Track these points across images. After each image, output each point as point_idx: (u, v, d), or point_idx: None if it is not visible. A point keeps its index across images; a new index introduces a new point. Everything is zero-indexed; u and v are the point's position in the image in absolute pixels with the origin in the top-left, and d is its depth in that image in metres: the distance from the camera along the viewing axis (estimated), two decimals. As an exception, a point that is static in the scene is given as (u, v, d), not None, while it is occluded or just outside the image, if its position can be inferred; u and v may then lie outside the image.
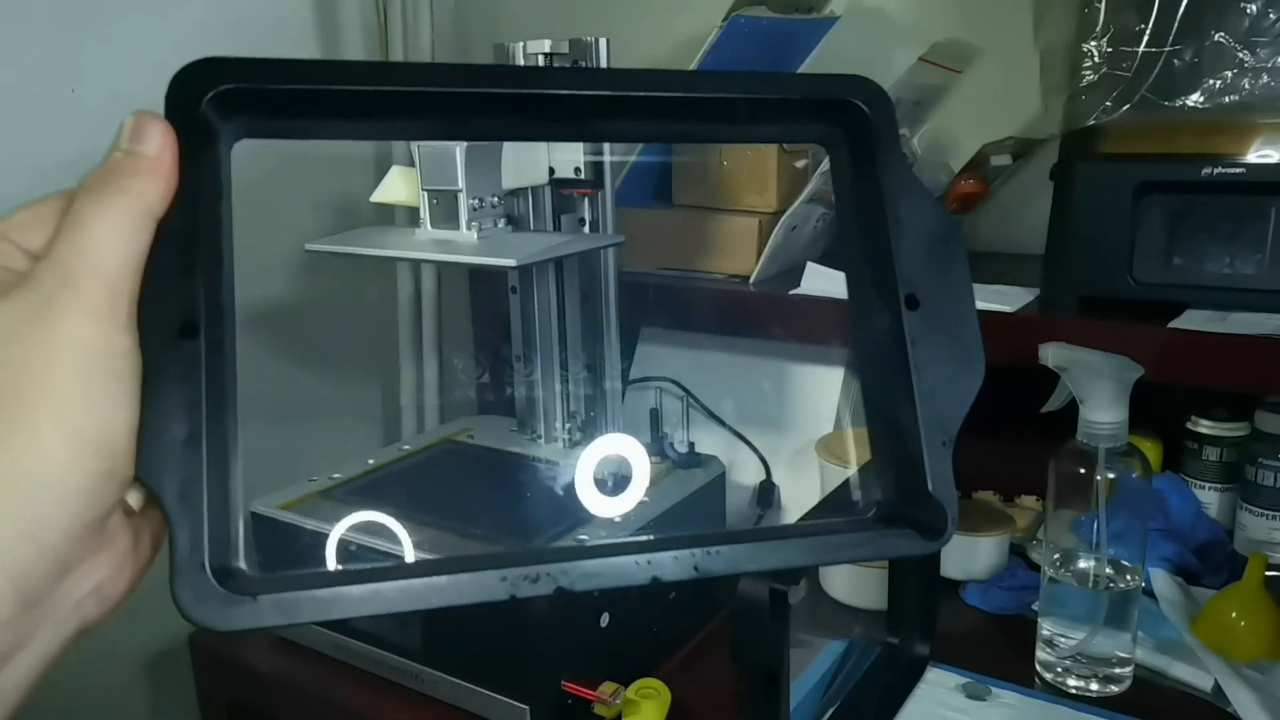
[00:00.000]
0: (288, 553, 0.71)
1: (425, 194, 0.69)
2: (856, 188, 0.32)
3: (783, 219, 0.84)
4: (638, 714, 0.62)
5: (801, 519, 0.56)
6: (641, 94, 0.30)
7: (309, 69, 0.28)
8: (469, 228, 0.67)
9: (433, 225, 0.69)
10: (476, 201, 0.68)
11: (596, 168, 0.76)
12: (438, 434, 0.87)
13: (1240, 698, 0.63)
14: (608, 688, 0.61)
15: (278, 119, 0.29)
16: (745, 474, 0.89)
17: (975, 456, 0.91)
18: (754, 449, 0.88)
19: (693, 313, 0.90)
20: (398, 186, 0.70)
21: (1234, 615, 0.69)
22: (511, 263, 0.62)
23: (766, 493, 0.87)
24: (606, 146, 0.75)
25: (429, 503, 0.73)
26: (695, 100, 0.31)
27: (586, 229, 0.78)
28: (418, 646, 0.66)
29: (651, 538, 0.29)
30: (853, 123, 0.31)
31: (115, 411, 0.24)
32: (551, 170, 0.76)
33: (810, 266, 0.84)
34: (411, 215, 0.73)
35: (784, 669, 0.50)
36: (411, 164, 0.70)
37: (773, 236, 0.85)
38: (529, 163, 0.74)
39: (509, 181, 0.72)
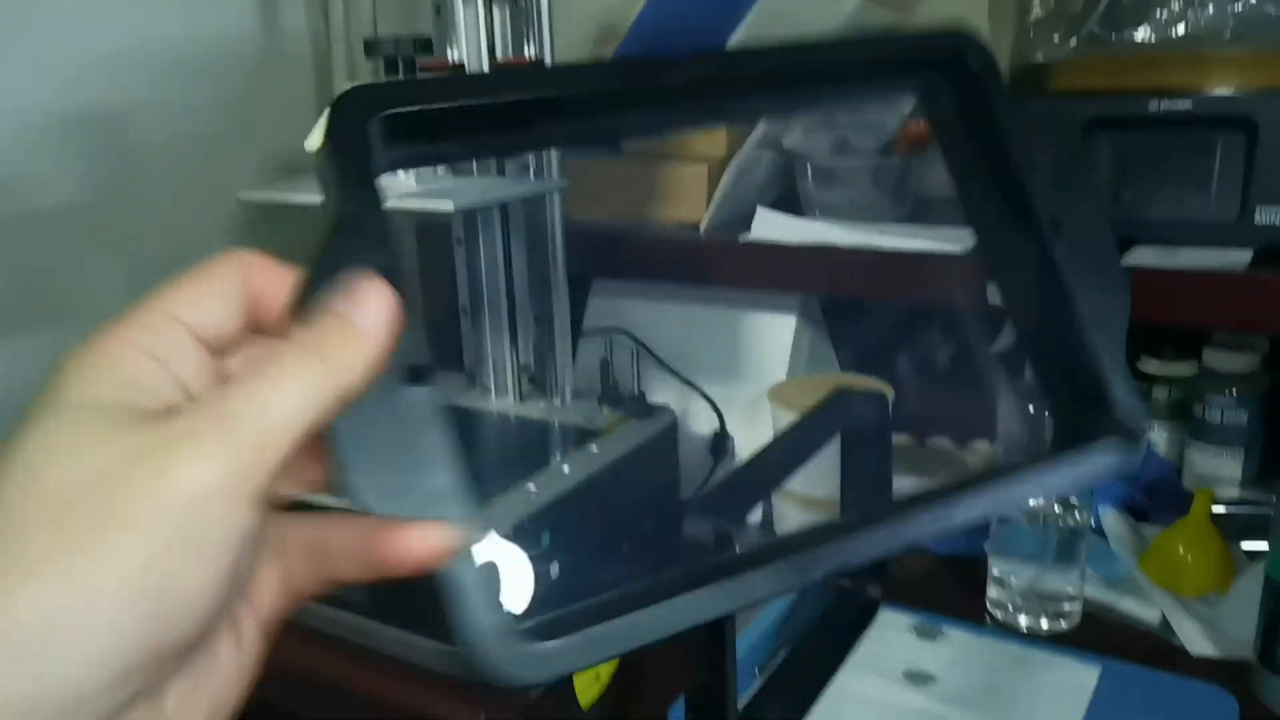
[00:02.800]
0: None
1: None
2: (970, 133, 0.33)
3: (732, 164, 0.83)
4: (588, 662, 0.61)
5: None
6: (773, 69, 0.31)
7: (462, 85, 0.27)
8: (407, 173, 0.65)
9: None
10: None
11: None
12: (385, 390, 0.85)
13: (1186, 629, 0.64)
14: (557, 637, 0.61)
15: (435, 142, 0.27)
16: (699, 424, 0.88)
17: (928, 402, 0.92)
18: (707, 398, 0.87)
19: (644, 263, 0.89)
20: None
21: (1181, 550, 0.69)
22: (449, 206, 0.60)
23: (720, 442, 0.86)
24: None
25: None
26: (819, 68, 0.31)
27: (531, 176, 0.76)
28: (364, 601, 0.64)
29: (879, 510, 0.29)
30: (960, 73, 0.32)
31: (196, 584, 0.21)
32: (493, 115, 0.74)
33: (761, 212, 0.83)
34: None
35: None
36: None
37: (722, 182, 0.84)
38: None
39: (448, 126, 0.70)
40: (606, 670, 0.61)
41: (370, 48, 0.74)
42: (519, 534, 0.61)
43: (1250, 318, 0.64)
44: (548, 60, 0.73)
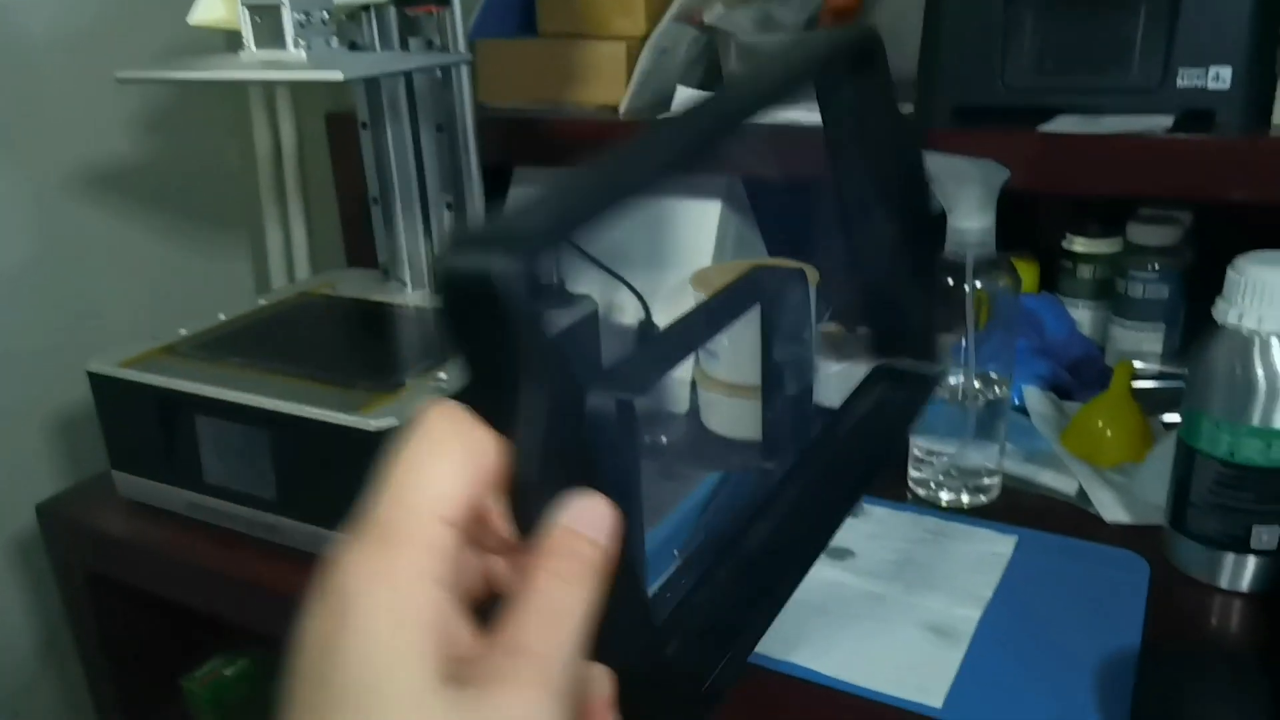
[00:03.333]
0: (129, 412, 0.67)
1: (246, 11, 0.62)
2: (854, 117, 0.38)
3: (650, 41, 0.79)
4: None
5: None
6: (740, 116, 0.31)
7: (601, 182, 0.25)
8: (296, 45, 0.61)
9: (256, 46, 0.62)
10: (302, 16, 0.61)
11: (442, -17, 0.69)
12: (296, 289, 0.82)
13: (1102, 498, 0.64)
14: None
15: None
16: (625, 314, 0.86)
17: (856, 291, 0.90)
18: (631, 288, 0.85)
19: (564, 149, 0.85)
20: (214, 5, 0.63)
21: (1100, 423, 0.69)
22: (338, 75, 0.56)
23: (647, 331, 0.85)
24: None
25: (282, 352, 0.68)
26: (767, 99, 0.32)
27: (436, 53, 0.72)
28: (272, 497, 0.62)
29: None
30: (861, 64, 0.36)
31: None
32: (391, -13, 0.69)
33: (682, 92, 0.80)
34: (235, 39, 0.67)
35: (635, 483, 0.48)
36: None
37: (640, 61, 0.80)
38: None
39: (339, -2, 0.65)
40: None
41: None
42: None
43: (1171, 183, 0.63)
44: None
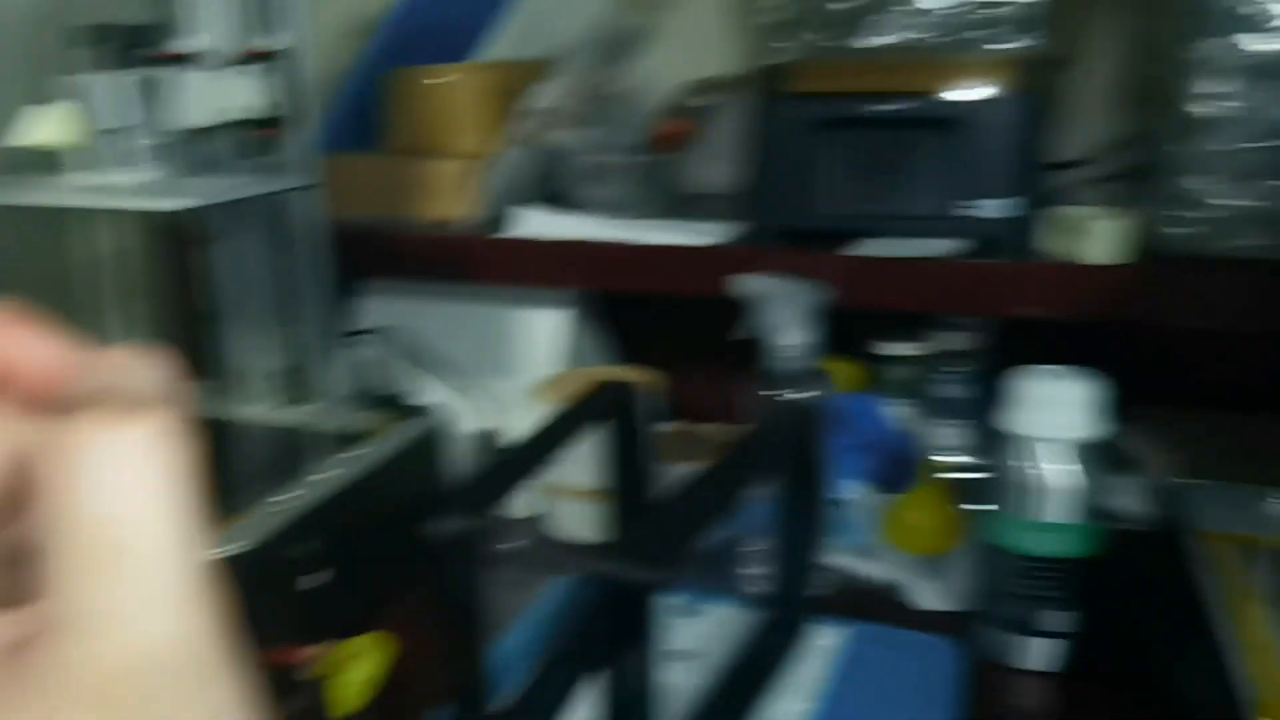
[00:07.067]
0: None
1: (80, 133, 0.62)
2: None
3: (493, 161, 0.83)
4: (351, 671, 0.60)
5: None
6: None
7: None
8: (130, 168, 0.61)
9: (90, 169, 0.62)
10: (142, 141, 0.62)
11: (292, 105, 0.71)
12: (131, 402, 0.80)
13: (918, 587, 0.70)
14: (316, 649, 0.59)
15: None
16: (471, 423, 0.88)
17: (700, 390, 0.95)
18: (478, 397, 0.87)
19: (408, 262, 0.87)
20: (44, 125, 0.63)
21: (915, 515, 0.75)
22: (180, 204, 0.57)
23: (493, 440, 0.86)
24: (302, 83, 0.71)
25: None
26: None
27: (284, 173, 0.73)
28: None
29: None
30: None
31: None
32: (238, 108, 0.70)
33: (522, 209, 0.84)
34: (68, 159, 0.66)
35: (479, 605, 0.49)
36: (66, 98, 0.63)
37: (484, 179, 0.83)
38: (209, 97, 0.69)
39: (184, 119, 0.66)
40: (368, 679, 0.60)
41: (100, 33, 0.68)
42: (273, 545, 0.59)
43: (961, 301, 0.71)
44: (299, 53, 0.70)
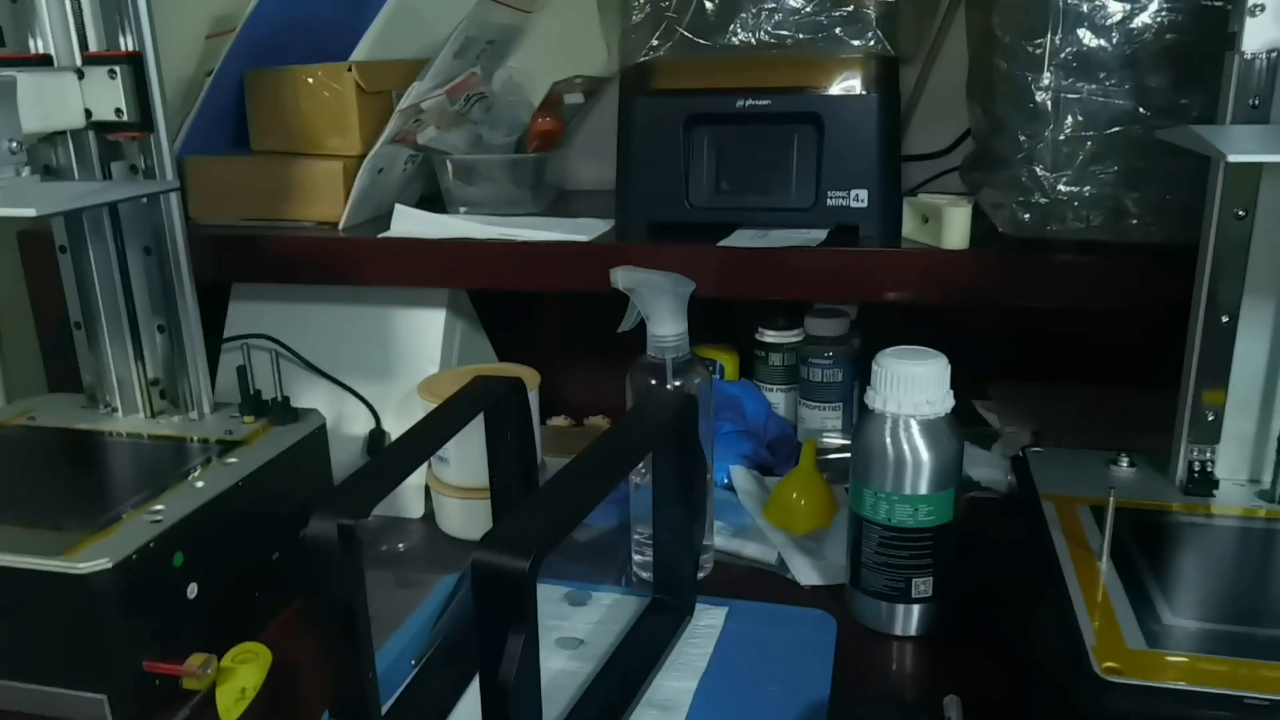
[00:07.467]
0: None
1: (-78, 141, 0.59)
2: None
3: (367, 161, 0.83)
4: (233, 680, 0.59)
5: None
6: None
7: None
8: (-14, 176, 0.59)
9: (-65, 176, 0.59)
10: (-11, 146, 0.59)
11: (144, 108, 0.69)
12: (-12, 420, 0.77)
13: (797, 564, 0.73)
14: (196, 659, 0.58)
15: None
16: (355, 424, 0.87)
17: (582, 385, 0.97)
18: (359, 397, 0.86)
19: (284, 265, 0.86)
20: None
21: (794, 495, 0.78)
22: (31, 211, 0.55)
23: (377, 440, 0.86)
24: (153, 85, 0.69)
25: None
26: None
27: (141, 178, 0.71)
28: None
29: None
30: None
31: None
32: (89, 112, 0.68)
33: (399, 209, 0.83)
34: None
35: (360, 607, 0.50)
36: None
37: (358, 180, 0.83)
38: (58, 102, 0.66)
39: (33, 124, 0.64)
40: (251, 688, 0.59)
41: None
42: (151, 556, 0.58)
43: (826, 288, 0.74)
44: (149, 56, 0.69)
